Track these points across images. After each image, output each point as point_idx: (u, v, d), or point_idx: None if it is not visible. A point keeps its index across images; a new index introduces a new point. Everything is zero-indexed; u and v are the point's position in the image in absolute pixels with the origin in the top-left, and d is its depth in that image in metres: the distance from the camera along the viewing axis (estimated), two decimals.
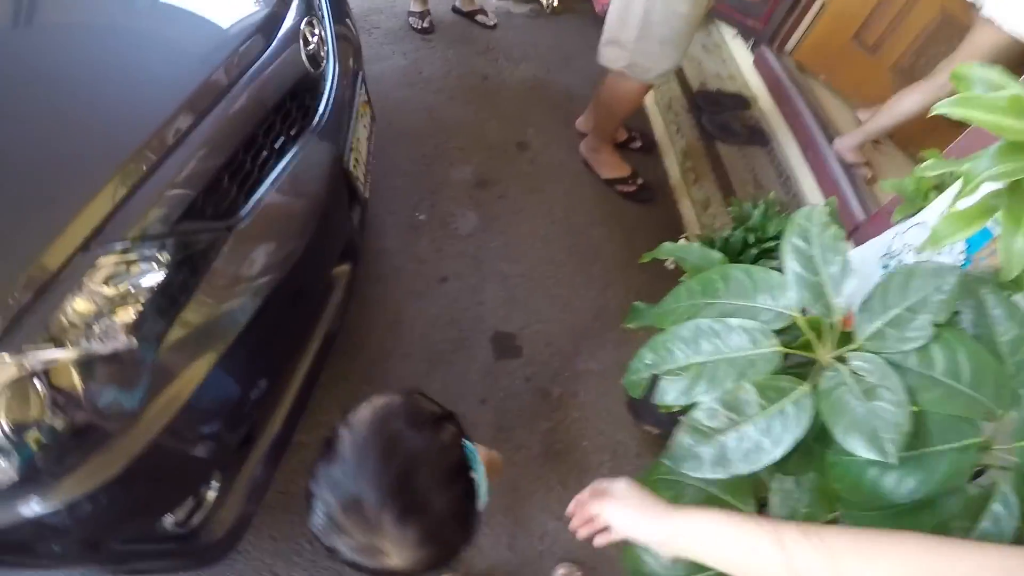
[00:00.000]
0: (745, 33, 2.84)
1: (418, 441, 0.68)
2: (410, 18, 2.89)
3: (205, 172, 1.03)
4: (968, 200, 0.69)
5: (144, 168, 0.96)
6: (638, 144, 2.67)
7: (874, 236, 2.15)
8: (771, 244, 1.63)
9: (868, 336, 0.74)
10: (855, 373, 0.71)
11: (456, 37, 2.94)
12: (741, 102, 2.83)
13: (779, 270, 0.83)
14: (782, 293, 0.81)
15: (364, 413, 0.70)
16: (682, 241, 1.58)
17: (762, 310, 0.82)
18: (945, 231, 0.71)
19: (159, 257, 0.94)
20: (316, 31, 1.39)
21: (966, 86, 0.68)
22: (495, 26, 3.01)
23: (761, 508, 0.79)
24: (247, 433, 1.19)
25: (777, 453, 0.70)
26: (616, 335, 2.03)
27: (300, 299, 1.30)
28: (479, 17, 3.00)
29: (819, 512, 0.76)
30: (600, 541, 0.72)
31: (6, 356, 0.81)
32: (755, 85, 2.96)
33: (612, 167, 2.49)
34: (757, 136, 2.71)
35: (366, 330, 1.90)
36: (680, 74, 2.83)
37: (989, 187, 0.67)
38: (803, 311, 0.81)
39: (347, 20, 1.70)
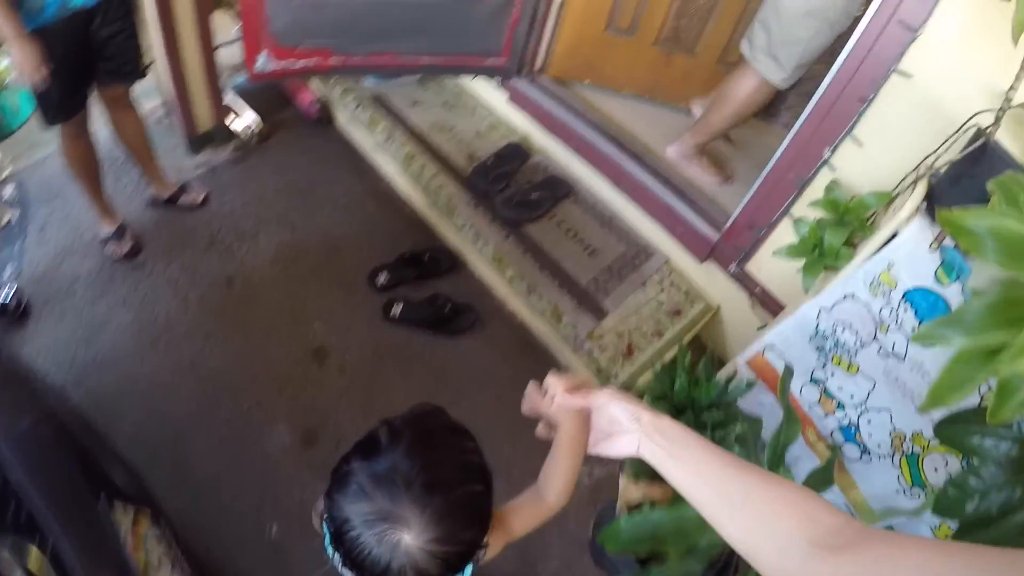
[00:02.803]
0: (487, 73, 2.38)
1: (450, 435, 0.78)
2: (107, 246, 2.18)
3: None
4: None
5: None
6: (446, 266, 2.24)
7: (734, 253, 1.93)
8: (716, 416, 1.43)
9: None
10: None
11: (171, 242, 2.27)
12: (518, 153, 2.41)
13: None
14: None
15: (405, 412, 0.78)
16: None
17: None
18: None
19: None
20: None
21: None
22: (206, 199, 2.35)
23: None
24: None
25: None
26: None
27: None
28: (183, 199, 2.33)
29: None
30: (570, 402, 0.74)
31: None
32: (520, 124, 2.54)
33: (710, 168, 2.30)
34: (558, 188, 2.34)
35: None
36: (445, 164, 2.36)
37: None
38: None
39: None
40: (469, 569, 0.78)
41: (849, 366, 1.59)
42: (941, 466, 1.52)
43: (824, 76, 1.68)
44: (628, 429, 0.68)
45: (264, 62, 2.03)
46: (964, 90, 1.47)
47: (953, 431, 1.18)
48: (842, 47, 1.61)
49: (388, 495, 0.68)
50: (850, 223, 1.45)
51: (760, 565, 0.55)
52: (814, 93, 1.72)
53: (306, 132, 2.61)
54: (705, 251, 2.16)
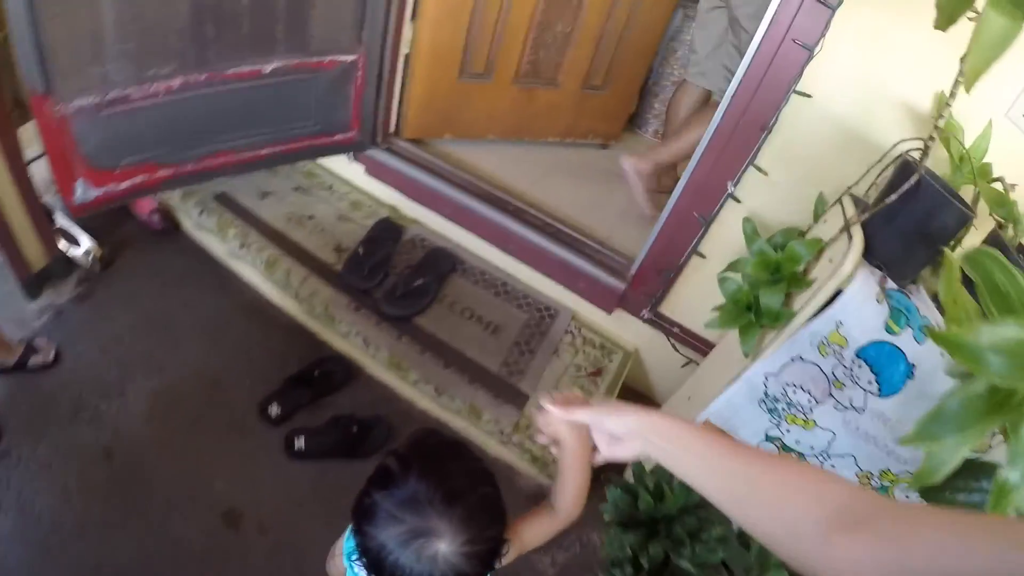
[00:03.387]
0: (338, 151, 2.07)
1: (452, 449, 0.84)
2: None
3: None
4: None
5: None
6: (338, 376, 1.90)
7: (644, 300, 1.77)
8: (691, 524, 1.18)
9: None
10: None
11: (33, 418, 1.76)
12: (390, 231, 2.13)
13: None
14: None
15: (405, 441, 0.84)
16: None
17: None
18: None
19: None
20: None
21: None
22: (58, 356, 1.87)
23: None
24: None
25: None
26: None
27: None
28: (32, 361, 1.83)
29: None
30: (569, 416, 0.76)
31: None
32: (385, 195, 2.26)
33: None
34: (441, 264, 2.07)
35: None
36: (312, 263, 2.01)
37: None
38: None
39: None
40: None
41: (805, 422, 1.47)
42: (912, 493, 1.45)
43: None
44: (626, 437, 0.71)
45: (83, 191, 1.62)
46: (876, 110, 1.41)
47: (940, 496, 1.08)
48: None
49: (416, 513, 0.73)
50: (783, 279, 1.30)
51: (779, 552, 0.54)
52: None
53: (153, 246, 2.16)
54: (612, 303, 1.99)
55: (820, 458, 1.52)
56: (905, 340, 1.25)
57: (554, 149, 2.53)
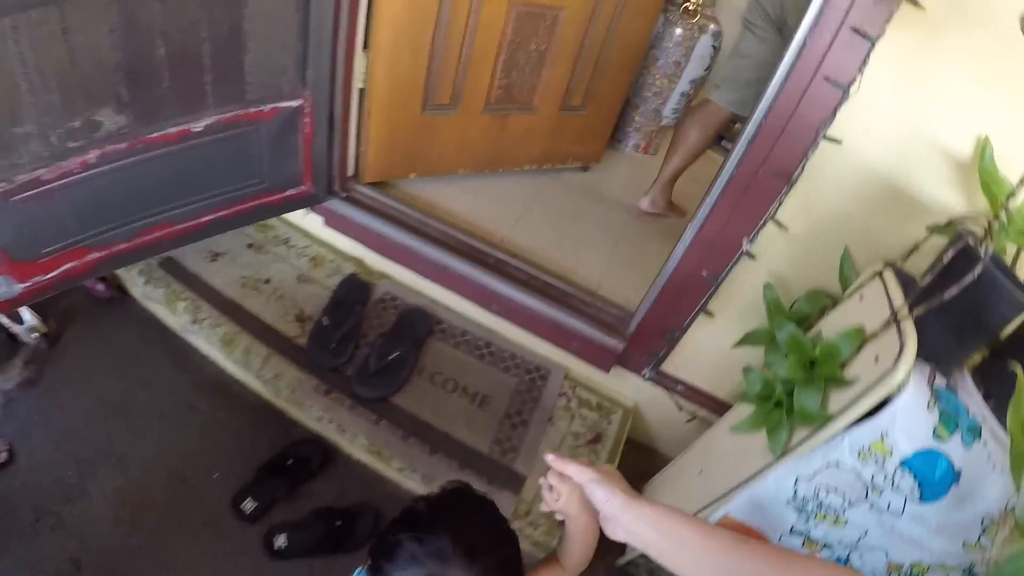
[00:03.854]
0: (290, 208, 1.81)
1: (481, 506, 0.85)
2: None
3: None
4: None
5: None
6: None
7: (647, 360, 1.69)
8: None
9: None
10: None
11: None
12: (356, 290, 1.89)
13: None
14: None
15: (437, 491, 0.86)
16: None
17: None
18: None
19: None
20: None
21: None
22: (11, 454, 1.63)
23: None
24: None
25: None
26: None
27: None
28: None
29: None
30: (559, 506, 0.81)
31: None
32: (347, 246, 2.01)
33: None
34: (417, 327, 1.85)
35: None
36: (273, 338, 1.76)
37: None
38: None
39: None
40: None
41: (836, 521, 1.31)
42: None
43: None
44: (607, 516, 0.70)
45: (6, 287, 1.39)
46: (915, 159, 1.23)
47: None
48: None
49: (438, 560, 0.74)
50: (820, 377, 1.13)
51: None
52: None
53: (102, 317, 1.90)
54: (609, 362, 1.80)
55: (848, 549, 1.37)
56: (953, 446, 1.11)
57: (531, 179, 2.30)
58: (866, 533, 1.31)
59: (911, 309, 1.07)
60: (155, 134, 1.41)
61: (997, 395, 1.13)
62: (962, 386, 1.16)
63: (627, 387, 1.91)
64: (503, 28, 1.88)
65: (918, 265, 1.20)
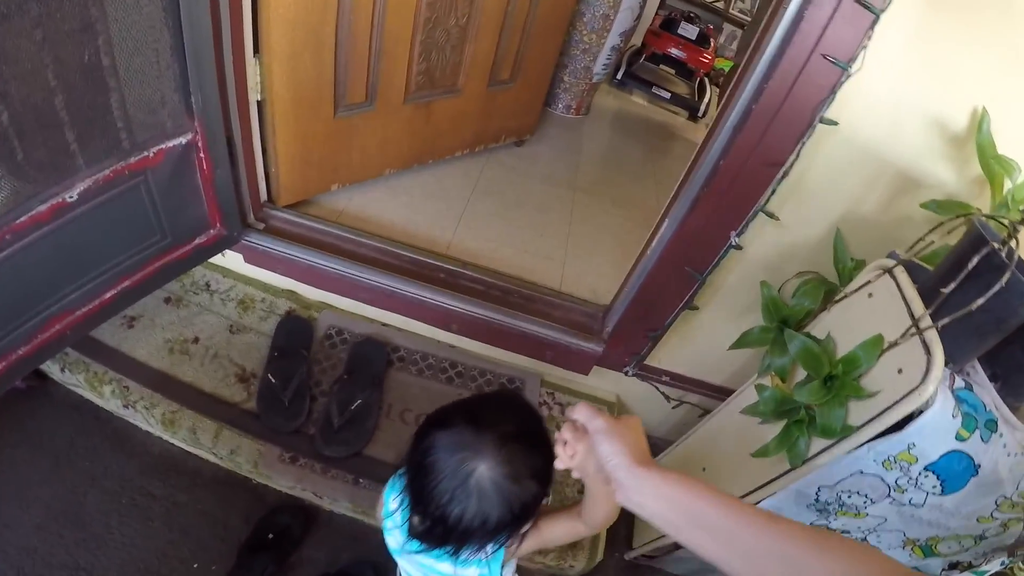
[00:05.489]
0: (203, 257, 1.54)
1: (527, 408, 0.81)
2: None
3: None
4: None
5: None
6: None
7: (627, 359, 1.64)
8: None
9: None
10: None
11: None
12: (297, 331, 1.67)
13: None
14: None
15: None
16: None
17: None
18: None
19: None
20: None
21: None
22: None
23: None
24: None
25: None
26: None
27: None
28: None
29: None
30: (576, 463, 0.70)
31: None
32: (276, 280, 1.74)
33: None
34: (374, 362, 1.65)
35: None
36: (218, 408, 1.52)
37: None
38: None
39: None
40: (500, 555, 0.86)
41: (857, 515, 1.28)
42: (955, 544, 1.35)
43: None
44: (611, 479, 0.60)
45: None
46: (916, 139, 1.12)
47: None
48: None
49: (474, 429, 0.73)
50: (843, 394, 1.05)
51: None
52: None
53: (26, 414, 1.60)
54: (588, 367, 1.69)
55: (864, 534, 1.36)
56: (973, 443, 1.07)
57: (466, 165, 2.08)
58: (885, 520, 1.29)
59: (934, 318, 0.99)
60: (22, 218, 1.11)
61: (1004, 376, 1.09)
62: (975, 378, 1.12)
63: (608, 382, 1.81)
64: (417, 5, 1.61)
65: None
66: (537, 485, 0.77)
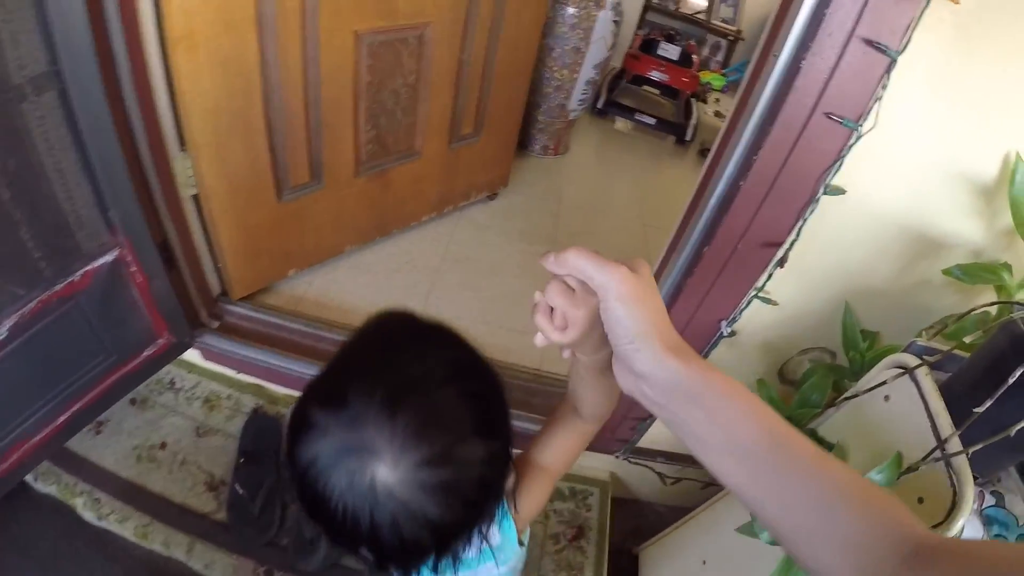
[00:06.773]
0: (156, 367, 1.41)
1: (421, 332, 0.54)
2: None
3: None
4: None
5: None
6: None
7: (617, 444, 1.60)
8: None
9: None
10: None
11: None
12: (265, 430, 1.53)
13: None
14: None
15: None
16: None
17: None
18: None
19: None
20: None
21: None
22: None
23: None
24: None
25: None
26: None
27: None
28: None
29: None
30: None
31: None
32: (242, 377, 1.60)
33: None
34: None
35: None
36: (188, 518, 1.40)
37: None
38: None
39: None
40: (502, 525, 0.65)
41: None
42: None
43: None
44: (619, 355, 0.43)
45: None
46: (941, 196, 0.97)
47: None
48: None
49: (346, 422, 0.47)
50: None
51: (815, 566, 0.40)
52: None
53: (8, 518, 1.54)
54: None
55: None
56: None
57: (433, 230, 1.94)
58: None
59: (964, 440, 0.83)
60: None
61: None
62: (1006, 483, 0.96)
63: (599, 461, 1.65)
64: (355, 70, 1.47)
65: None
66: (483, 440, 0.51)
